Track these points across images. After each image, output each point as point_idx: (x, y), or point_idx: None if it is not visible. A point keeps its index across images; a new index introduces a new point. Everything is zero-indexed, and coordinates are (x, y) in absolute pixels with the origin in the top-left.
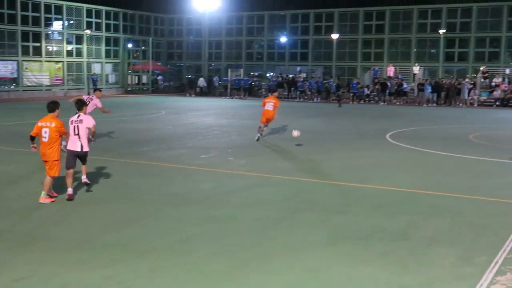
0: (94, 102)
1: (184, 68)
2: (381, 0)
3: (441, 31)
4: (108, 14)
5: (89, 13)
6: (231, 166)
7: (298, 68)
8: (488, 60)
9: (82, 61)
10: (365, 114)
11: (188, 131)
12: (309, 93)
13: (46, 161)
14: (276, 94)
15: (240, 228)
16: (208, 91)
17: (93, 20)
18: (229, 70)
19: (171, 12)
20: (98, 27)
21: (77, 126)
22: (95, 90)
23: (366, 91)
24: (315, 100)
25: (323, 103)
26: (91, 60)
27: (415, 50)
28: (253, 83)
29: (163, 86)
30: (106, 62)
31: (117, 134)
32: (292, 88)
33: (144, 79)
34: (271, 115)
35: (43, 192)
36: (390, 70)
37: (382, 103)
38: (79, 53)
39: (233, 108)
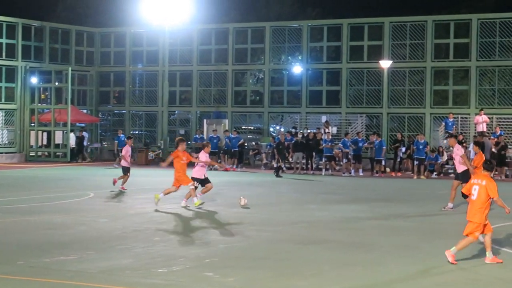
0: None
1: (127, 117)
2: None
3: None
4: None
5: None
6: None
7: (325, 118)
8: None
9: None
10: None
11: (135, 229)
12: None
13: None
14: None
15: None
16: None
17: None
18: (205, 121)
19: (106, 24)
20: None
21: None
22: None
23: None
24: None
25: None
26: None
27: None
28: (245, 144)
29: (90, 149)
30: None
31: (15, 232)
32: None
33: (59, 137)
34: None
35: None
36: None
37: None
38: None
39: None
